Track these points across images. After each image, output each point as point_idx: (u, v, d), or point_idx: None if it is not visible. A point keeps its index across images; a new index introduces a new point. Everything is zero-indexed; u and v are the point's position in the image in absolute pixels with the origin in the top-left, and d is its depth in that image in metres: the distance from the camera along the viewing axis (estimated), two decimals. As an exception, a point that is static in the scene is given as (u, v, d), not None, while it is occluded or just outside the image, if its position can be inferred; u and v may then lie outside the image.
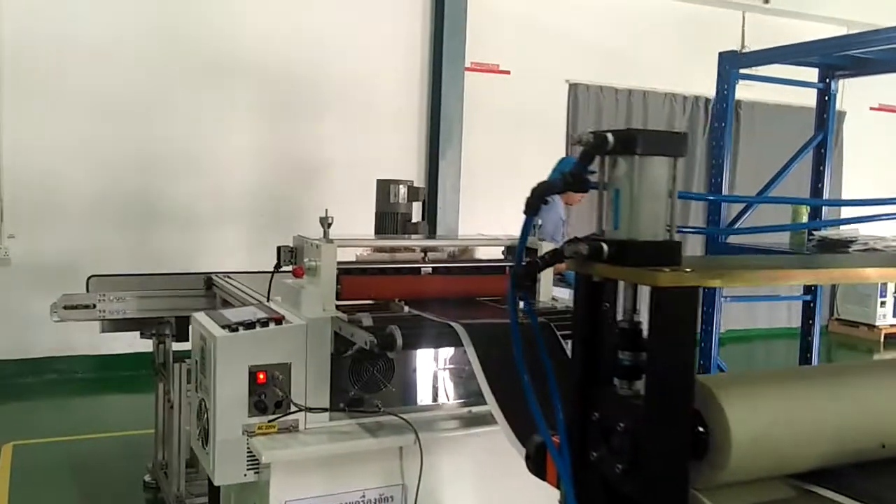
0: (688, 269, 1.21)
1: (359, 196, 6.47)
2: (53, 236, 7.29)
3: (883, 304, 10.31)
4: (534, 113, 9.50)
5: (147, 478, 4.78)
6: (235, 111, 7.93)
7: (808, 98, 9.08)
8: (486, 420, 2.80)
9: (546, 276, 3.14)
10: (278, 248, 3.01)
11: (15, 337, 7.17)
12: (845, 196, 10.56)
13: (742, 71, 4.49)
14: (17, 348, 7.21)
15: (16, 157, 7.20)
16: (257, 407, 2.57)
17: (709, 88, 10.44)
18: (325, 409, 2.62)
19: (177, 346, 4.33)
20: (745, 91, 10.50)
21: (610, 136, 1.26)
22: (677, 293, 1.18)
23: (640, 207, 1.26)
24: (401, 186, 4.41)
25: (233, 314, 2.75)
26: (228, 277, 4.20)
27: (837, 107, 10.20)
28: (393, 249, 3.14)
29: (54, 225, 7.31)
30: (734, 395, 1.30)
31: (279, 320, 2.66)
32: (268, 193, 8.06)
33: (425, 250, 3.12)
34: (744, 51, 9.58)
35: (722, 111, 4.44)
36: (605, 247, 1.27)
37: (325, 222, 2.83)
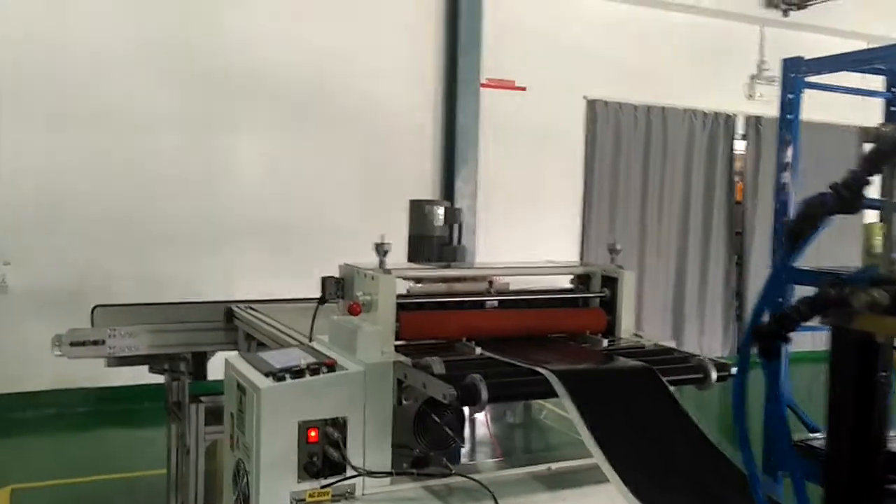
0: None
1: (374, 217, 6.11)
2: (53, 262, 6.91)
3: None
4: (551, 130, 9.22)
5: (158, 527, 4.36)
6: (247, 130, 7.60)
7: (832, 115, 8.89)
8: (570, 481, 2.40)
9: (627, 303, 2.74)
10: (323, 280, 2.60)
11: (11, 368, 6.74)
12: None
13: (808, 79, 4.12)
14: (15, 381, 6.79)
15: (12, 180, 6.81)
16: (307, 470, 2.16)
17: (728, 104, 10.28)
18: (389, 474, 2.20)
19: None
20: (764, 107, 10.22)
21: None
22: None
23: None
24: (437, 207, 4.01)
25: (274, 358, 2.34)
26: (251, 309, 3.79)
27: (862, 123, 9.79)
28: (452, 280, 2.74)
29: (54, 250, 6.91)
30: None
31: (331, 366, 2.25)
32: (280, 215, 7.68)
33: (490, 280, 2.72)
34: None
35: (788, 123, 4.06)
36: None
37: (382, 249, 2.43)
